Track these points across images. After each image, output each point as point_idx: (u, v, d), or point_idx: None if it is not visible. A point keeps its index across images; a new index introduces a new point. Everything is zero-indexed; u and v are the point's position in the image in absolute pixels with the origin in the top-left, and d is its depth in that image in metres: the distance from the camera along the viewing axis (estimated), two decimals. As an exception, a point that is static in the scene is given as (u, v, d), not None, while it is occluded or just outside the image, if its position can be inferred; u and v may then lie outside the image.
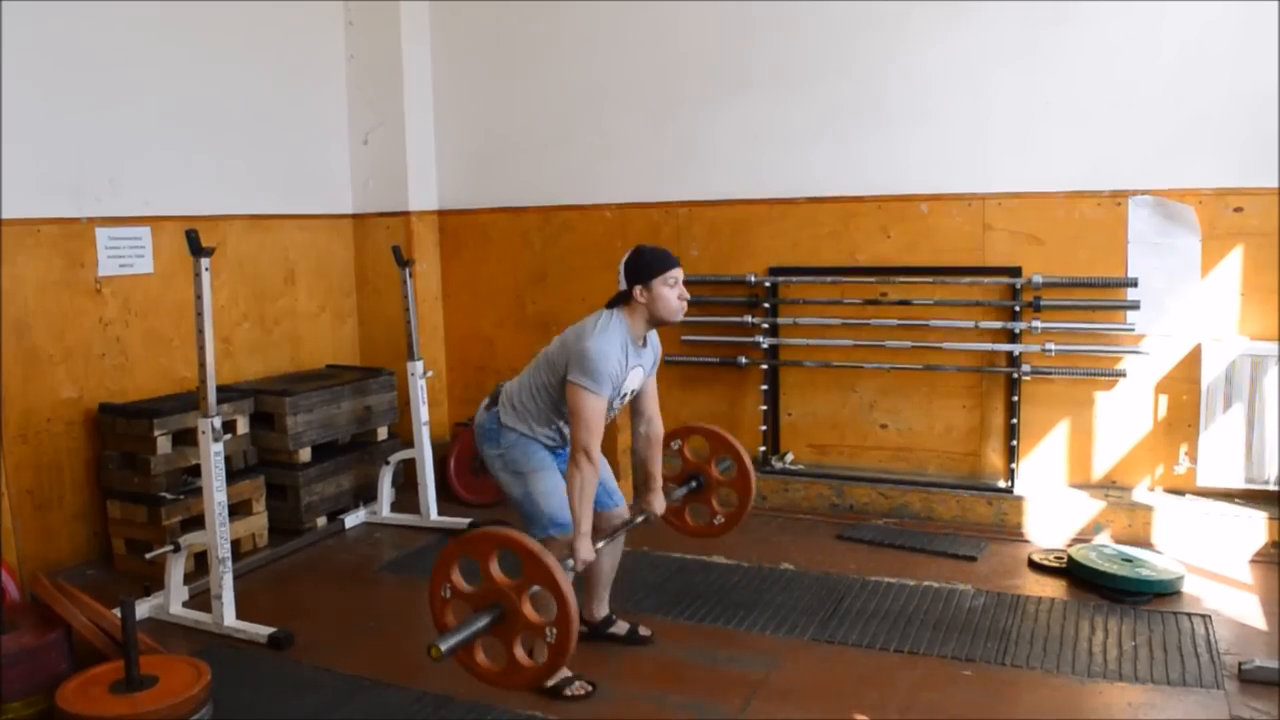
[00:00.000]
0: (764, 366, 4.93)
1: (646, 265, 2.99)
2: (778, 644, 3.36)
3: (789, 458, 4.98)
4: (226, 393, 4.28)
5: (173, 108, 4.54)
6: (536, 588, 2.51)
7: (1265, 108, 4.04)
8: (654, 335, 3.19)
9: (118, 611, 2.84)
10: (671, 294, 3.00)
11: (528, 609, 2.51)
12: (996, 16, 4.41)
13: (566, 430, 3.03)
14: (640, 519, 3.33)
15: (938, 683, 3.07)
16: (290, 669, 3.25)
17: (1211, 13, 4.09)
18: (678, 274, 3.03)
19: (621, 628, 3.41)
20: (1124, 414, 4.43)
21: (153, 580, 3.77)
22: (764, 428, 4.95)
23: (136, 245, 4.39)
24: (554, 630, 2.49)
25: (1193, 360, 4.26)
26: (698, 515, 3.78)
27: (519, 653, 2.55)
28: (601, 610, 3.38)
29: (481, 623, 2.50)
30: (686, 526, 3.78)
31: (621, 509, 3.28)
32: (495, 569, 2.54)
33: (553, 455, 3.10)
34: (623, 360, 2.98)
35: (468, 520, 4.60)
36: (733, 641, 3.40)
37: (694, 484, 3.67)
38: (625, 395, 3.10)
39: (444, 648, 2.42)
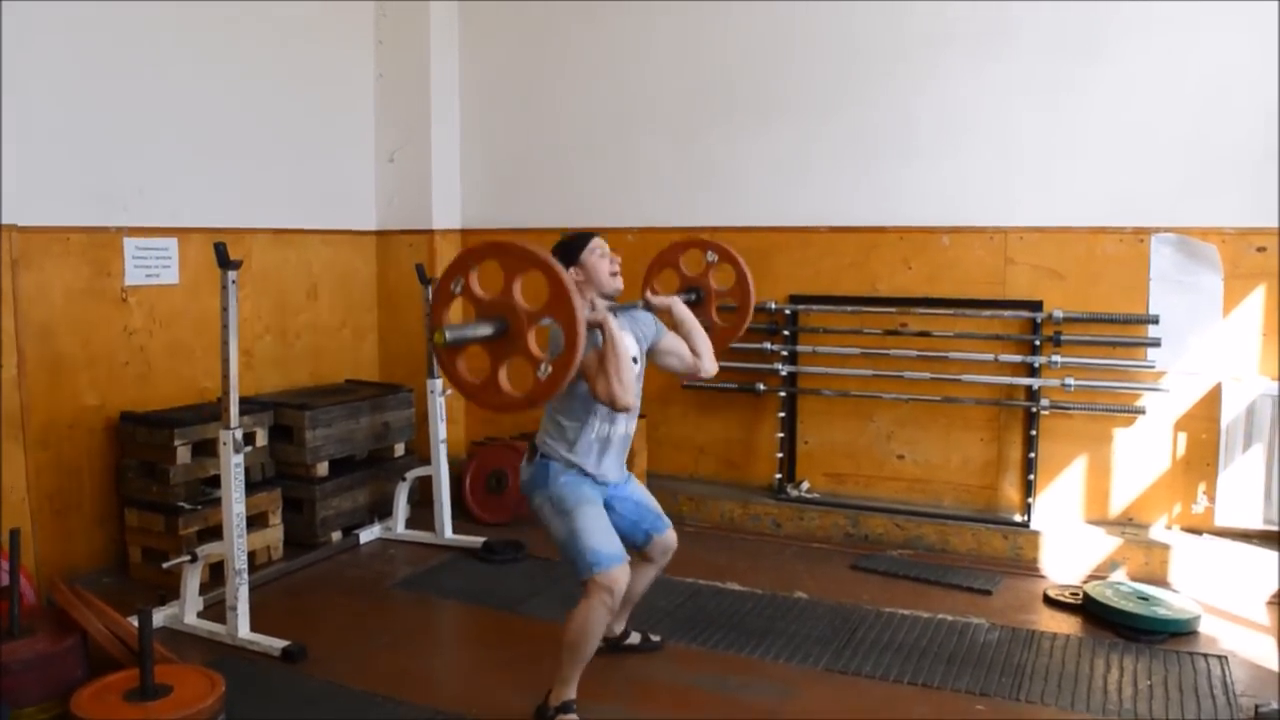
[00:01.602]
0: (782, 394, 4.94)
1: (571, 246, 3.06)
2: (791, 672, 3.35)
3: (805, 486, 4.97)
4: (247, 405, 4.30)
5: (202, 120, 4.60)
6: (549, 321, 2.46)
7: (1290, 148, 4.05)
8: (643, 314, 3.21)
9: (134, 620, 2.86)
10: (602, 264, 3.04)
11: (532, 338, 2.46)
12: (1024, 53, 4.43)
13: (604, 428, 3.01)
14: (641, 303, 3.26)
15: (951, 717, 3.05)
16: (303, 683, 3.25)
17: (1235, 51, 4.10)
18: (600, 243, 3.07)
19: (635, 638, 3.49)
20: (1142, 451, 4.41)
21: (168, 589, 3.78)
22: (780, 455, 4.95)
23: (163, 256, 4.44)
24: (549, 369, 2.45)
25: (1213, 399, 4.25)
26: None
27: (502, 376, 2.51)
28: (619, 627, 3.42)
29: (484, 330, 2.48)
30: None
31: (668, 535, 3.25)
32: (518, 288, 2.48)
33: (598, 490, 3.05)
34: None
35: (482, 539, 4.60)
36: (746, 669, 3.39)
37: (692, 296, 3.70)
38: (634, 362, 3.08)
39: (450, 336, 2.44)
